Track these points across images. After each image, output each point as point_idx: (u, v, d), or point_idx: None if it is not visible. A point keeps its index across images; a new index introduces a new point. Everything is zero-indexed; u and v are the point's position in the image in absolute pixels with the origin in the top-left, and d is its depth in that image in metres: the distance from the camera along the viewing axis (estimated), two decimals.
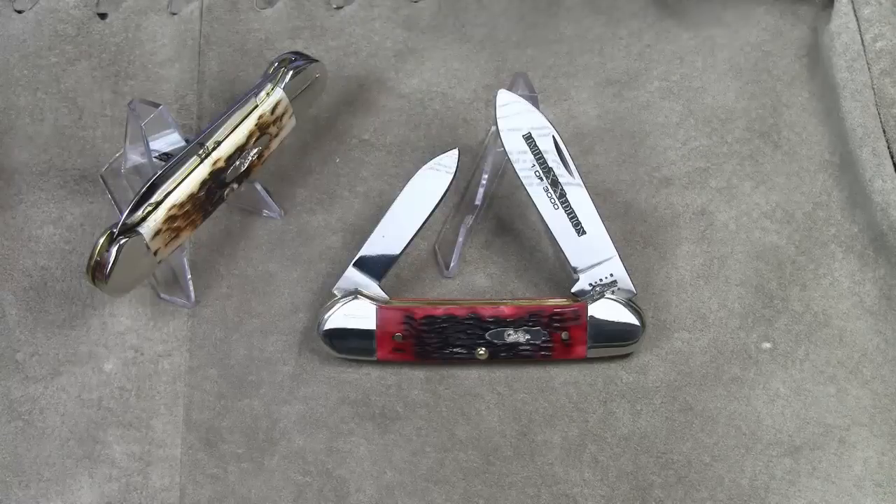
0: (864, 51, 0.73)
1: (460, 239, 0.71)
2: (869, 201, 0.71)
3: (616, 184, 0.74)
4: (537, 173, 0.68)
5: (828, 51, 0.75)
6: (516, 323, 0.67)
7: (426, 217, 0.68)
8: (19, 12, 0.79)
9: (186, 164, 0.67)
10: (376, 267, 0.68)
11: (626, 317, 0.68)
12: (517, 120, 0.67)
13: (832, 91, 0.74)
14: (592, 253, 0.68)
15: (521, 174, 0.68)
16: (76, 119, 0.76)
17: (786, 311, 0.70)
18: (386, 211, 0.68)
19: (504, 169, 0.74)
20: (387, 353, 0.68)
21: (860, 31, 0.75)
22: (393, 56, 0.78)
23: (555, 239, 0.68)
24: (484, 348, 0.68)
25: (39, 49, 0.78)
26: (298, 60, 0.71)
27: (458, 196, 0.73)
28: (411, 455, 0.67)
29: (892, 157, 0.72)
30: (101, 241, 0.65)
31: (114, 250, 0.64)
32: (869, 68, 0.73)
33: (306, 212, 0.74)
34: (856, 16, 0.75)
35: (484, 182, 0.73)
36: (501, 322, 0.67)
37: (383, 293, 0.68)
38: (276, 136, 0.71)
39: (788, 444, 0.67)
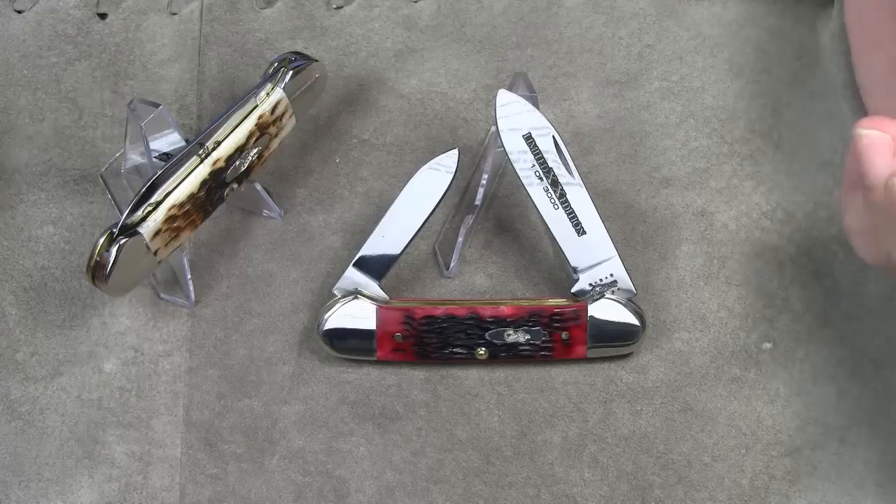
0: None
1: (460, 239, 0.71)
2: None
3: (616, 184, 0.74)
4: (537, 173, 0.67)
5: (829, 51, 0.75)
6: (516, 323, 0.67)
7: (426, 217, 0.68)
8: (19, 12, 0.79)
9: (186, 164, 0.67)
10: (376, 267, 0.68)
11: (626, 317, 0.68)
12: (517, 120, 0.67)
13: (833, 91, 0.74)
14: (592, 253, 0.68)
15: (521, 174, 0.68)
16: (76, 119, 0.76)
17: (786, 311, 0.70)
18: (386, 211, 0.68)
19: (504, 169, 0.74)
20: (387, 353, 0.68)
21: None
22: (393, 56, 0.78)
23: (555, 239, 0.68)
24: (484, 348, 0.68)
25: (39, 49, 0.78)
26: (298, 60, 0.71)
27: (458, 196, 0.73)
28: (411, 455, 0.67)
29: None
30: (101, 241, 0.65)
31: (114, 250, 0.64)
32: None
33: (306, 212, 0.74)
34: None
35: (484, 182, 0.73)
36: (501, 322, 0.67)
37: (383, 293, 0.68)
38: (276, 136, 0.71)
39: (788, 444, 0.67)
